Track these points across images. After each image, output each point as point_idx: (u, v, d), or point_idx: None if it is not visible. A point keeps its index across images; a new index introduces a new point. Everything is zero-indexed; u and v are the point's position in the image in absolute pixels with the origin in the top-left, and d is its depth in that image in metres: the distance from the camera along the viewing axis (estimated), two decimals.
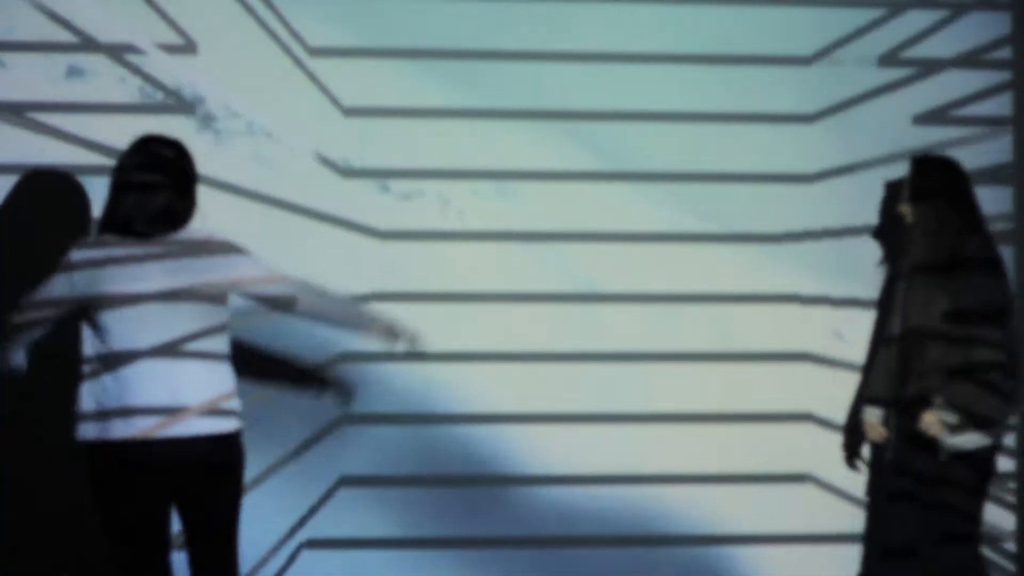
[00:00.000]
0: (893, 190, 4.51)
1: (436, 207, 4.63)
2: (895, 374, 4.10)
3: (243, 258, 3.59)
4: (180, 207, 3.57)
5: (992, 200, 4.69)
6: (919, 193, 4.08)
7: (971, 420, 3.92)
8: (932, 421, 3.94)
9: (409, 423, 4.57)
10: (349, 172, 4.58)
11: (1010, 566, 4.70)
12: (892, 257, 4.40)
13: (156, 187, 3.52)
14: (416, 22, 4.59)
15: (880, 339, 4.28)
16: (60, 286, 3.51)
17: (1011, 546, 4.71)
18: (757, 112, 4.71)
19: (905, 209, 4.11)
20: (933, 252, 4.03)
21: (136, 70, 4.49)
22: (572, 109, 4.64)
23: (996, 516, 4.69)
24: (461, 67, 4.61)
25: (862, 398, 4.31)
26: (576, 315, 4.66)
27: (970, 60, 4.76)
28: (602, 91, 4.65)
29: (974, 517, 4.01)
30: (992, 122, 4.75)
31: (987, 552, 4.65)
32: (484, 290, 4.61)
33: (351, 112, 4.58)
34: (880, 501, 4.17)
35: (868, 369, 4.36)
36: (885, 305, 4.31)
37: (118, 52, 4.48)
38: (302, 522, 4.53)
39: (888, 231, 4.51)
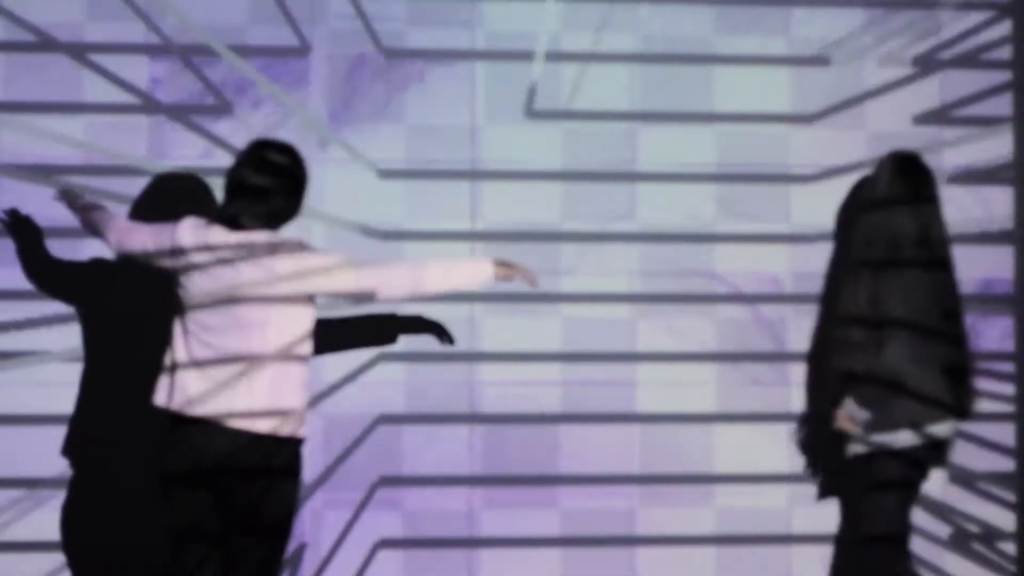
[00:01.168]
0: (858, 187, 4.56)
1: None
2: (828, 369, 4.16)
3: (302, 256, 3.58)
4: (286, 211, 3.63)
5: (992, 200, 4.75)
6: (866, 191, 4.11)
7: (882, 420, 3.95)
8: (842, 421, 3.99)
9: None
10: None
11: (1010, 566, 4.71)
12: (843, 251, 4.46)
13: (266, 191, 3.58)
14: None
15: (821, 335, 4.39)
16: (164, 238, 3.63)
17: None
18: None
19: (864, 205, 4.15)
20: (869, 250, 4.06)
21: None
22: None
23: (997, 516, 4.72)
24: None
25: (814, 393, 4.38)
26: None
27: (970, 60, 4.77)
28: None
29: (890, 516, 4.02)
30: (991, 121, 4.76)
31: (986, 551, 4.70)
32: None
33: None
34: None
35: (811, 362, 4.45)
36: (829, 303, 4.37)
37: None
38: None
39: (846, 226, 4.55)
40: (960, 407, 4.04)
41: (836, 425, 4.03)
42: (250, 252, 3.55)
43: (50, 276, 4.27)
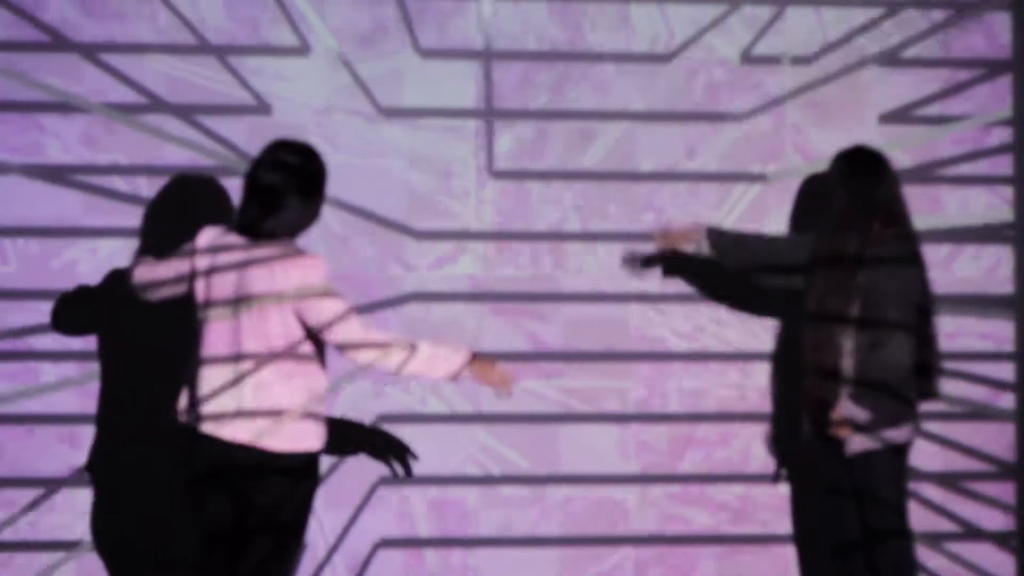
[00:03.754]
0: (811, 185, 4.56)
1: None
2: (805, 370, 4.14)
3: (309, 271, 3.54)
4: (303, 218, 3.60)
5: (991, 200, 4.75)
6: (829, 187, 4.10)
7: (877, 420, 3.96)
8: (840, 422, 3.96)
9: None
10: None
11: (1010, 566, 4.71)
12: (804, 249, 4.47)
13: (278, 192, 3.55)
14: None
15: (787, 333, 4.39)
16: (182, 264, 3.63)
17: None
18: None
19: (825, 204, 4.14)
20: (843, 247, 4.04)
21: None
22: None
23: (997, 516, 4.72)
24: None
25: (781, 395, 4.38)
26: None
27: (970, 61, 4.77)
28: None
29: (897, 513, 4.03)
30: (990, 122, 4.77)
31: (986, 552, 4.71)
32: None
33: None
34: (804, 500, 4.22)
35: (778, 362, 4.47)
36: (790, 299, 4.38)
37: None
38: None
39: (804, 225, 4.56)
40: (932, 394, 4.09)
41: (833, 431, 4.01)
42: (262, 262, 3.53)
43: (75, 320, 4.28)
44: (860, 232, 4.01)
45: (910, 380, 3.99)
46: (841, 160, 4.12)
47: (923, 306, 4.01)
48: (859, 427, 3.95)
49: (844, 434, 3.96)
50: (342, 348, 3.57)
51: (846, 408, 3.93)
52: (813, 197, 4.54)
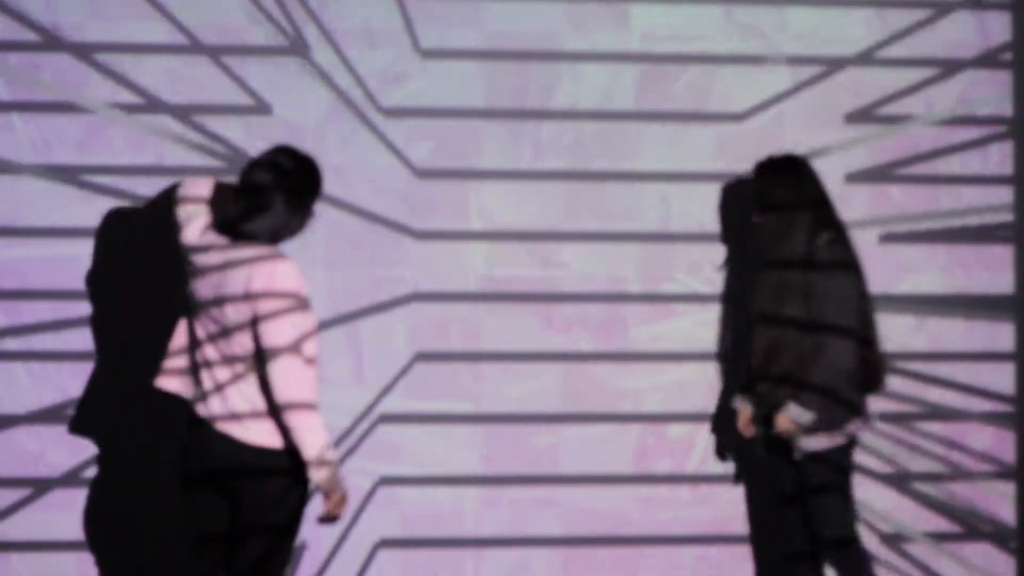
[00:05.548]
0: (733, 193, 4.59)
1: None
2: (752, 375, 4.23)
3: (273, 281, 3.48)
4: (285, 219, 3.58)
5: (992, 199, 4.75)
6: (764, 197, 4.13)
7: (822, 422, 4.03)
8: (784, 425, 4.04)
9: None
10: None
11: (1011, 567, 4.71)
12: (740, 258, 4.49)
13: (266, 192, 3.55)
14: None
15: (732, 335, 4.48)
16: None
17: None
18: None
19: (754, 214, 4.18)
20: (781, 253, 4.10)
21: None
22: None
23: (996, 516, 4.72)
24: None
25: (728, 391, 4.50)
26: None
27: (970, 61, 4.77)
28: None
29: (844, 513, 4.10)
30: (991, 122, 4.77)
31: (986, 551, 4.71)
32: None
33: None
34: (757, 502, 4.25)
35: (725, 361, 4.54)
36: (734, 303, 4.38)
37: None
38: None
39: (733, 234, 4.57)
40: (876, 386, 4.16)
41: (779, 433, 4.08)
42: (239, 264, 3.52)
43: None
44: (802, 237, 4.05)
45: (852, 380, 4.06)
46: (771, 171, 4.17)
47: (861, 309, 4.07)
48: (805, 430, 4.02)
49: (790, 434, 4.03)
50: (270, 376, 3.47)
51: (791, 412, 4.00)
52: (736, 202, 4.60)
